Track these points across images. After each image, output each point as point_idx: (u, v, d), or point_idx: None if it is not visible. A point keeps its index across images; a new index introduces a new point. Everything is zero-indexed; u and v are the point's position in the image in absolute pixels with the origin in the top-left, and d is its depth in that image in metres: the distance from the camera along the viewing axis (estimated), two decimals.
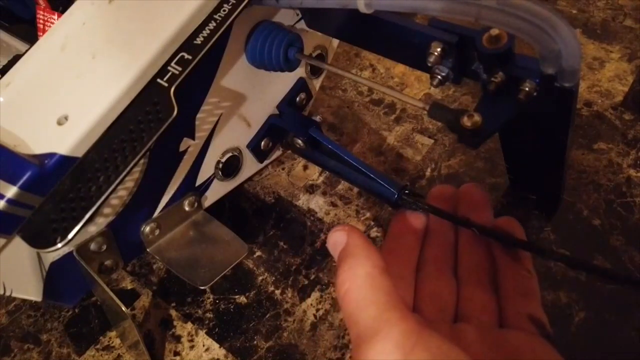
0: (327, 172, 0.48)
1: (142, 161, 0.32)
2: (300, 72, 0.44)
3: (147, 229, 0.37)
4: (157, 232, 0.37)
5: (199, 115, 0.36)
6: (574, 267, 0.27)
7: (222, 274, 0.36)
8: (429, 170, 0.47)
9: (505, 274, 0.28)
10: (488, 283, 0.28)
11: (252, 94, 0.40)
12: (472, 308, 0.27)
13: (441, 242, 0.30)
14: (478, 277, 0.28)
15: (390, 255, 0.30)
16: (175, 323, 0.41)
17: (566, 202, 0.43)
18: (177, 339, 0.40)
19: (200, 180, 0.39)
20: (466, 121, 0.28)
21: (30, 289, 0.33)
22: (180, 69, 0.30)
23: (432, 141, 0.49)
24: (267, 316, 0.40)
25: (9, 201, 0.27)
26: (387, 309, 0.20)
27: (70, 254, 0.33)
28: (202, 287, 0.37)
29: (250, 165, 0.44)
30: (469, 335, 0.25)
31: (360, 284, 0.21)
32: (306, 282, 0.42)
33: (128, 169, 0.29)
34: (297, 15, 0.40)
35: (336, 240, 0.24)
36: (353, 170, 0.39)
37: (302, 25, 0.40)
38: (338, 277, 0.22)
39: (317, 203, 0.46)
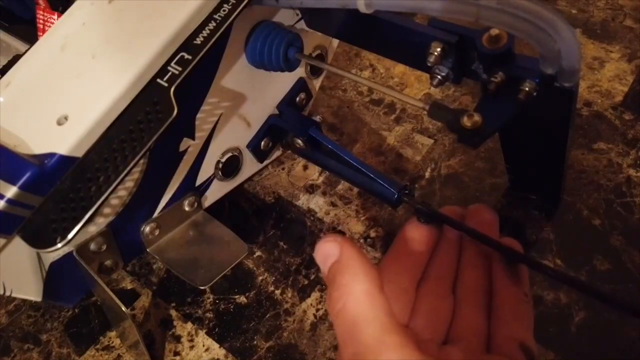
0: (327, 172, 0.48)
1: (142, 161, 0.32)
2: (300, 72, 0.44)
3: (147, 229, 0.37)
4: (157, 232, 0.37)
5: (199, 115, 0.36)
6: (573, 287, 0.27)
7: (222, 274, 0.36)
8: (429, 170, 0.47)
9: (503, 295, 0.27)
10: (484, 305, 0.27)
11: (252, 94, 0.40)
12: (464, 330, 0.26)
13: (448, 260, 0.29)
14: (476, 299, 0.27)
15: (396, 262, 0.29)
16: (175, 323, 0.41)
17: (566, 202, 0.43)
18: (177, 339, 0.40)
19: (200, 180, 0.39)
20: (466, 121, 0.28)
21: (30, 289, 0.33)
22: (180, 69, 0.30)
23: (432, 141, 0.49)
24: (267, 316, 0.40)
25: (9, 201, 0.27)
26: (388, 331, 0.19)
27: (70, 254, 0.33)
28: (202, 287, 0.37)
29: (250, 165, 0.44)
30: (455, 359, 0.24)
31: (358, 301, 0.20)
32: (306, 282, 0.42)
33: (128, 169, 0.29)
34: (297, 15, 0.40)
35: (327, 253, 0.21)
36: (353, 170, 0.39)
37: (302, 25, 0.40)
38: (332, 293, 0.21)
39: (317, 203, 0.46)
